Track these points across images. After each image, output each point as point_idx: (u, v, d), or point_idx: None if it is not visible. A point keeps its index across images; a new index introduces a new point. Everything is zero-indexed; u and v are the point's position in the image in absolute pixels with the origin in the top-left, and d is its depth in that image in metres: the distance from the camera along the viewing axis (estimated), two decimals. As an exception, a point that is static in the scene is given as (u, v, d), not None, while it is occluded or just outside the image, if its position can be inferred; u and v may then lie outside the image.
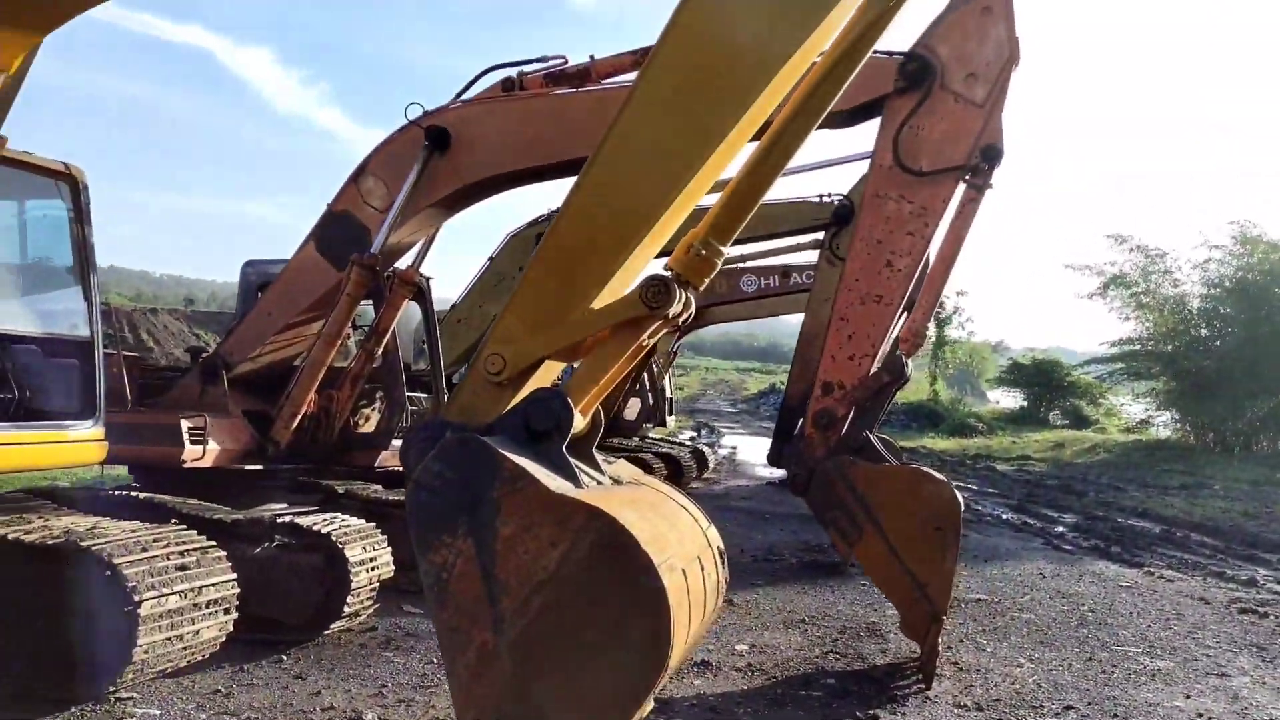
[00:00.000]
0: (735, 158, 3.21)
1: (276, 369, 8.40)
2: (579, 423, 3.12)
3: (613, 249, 3.08)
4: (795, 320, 12.13)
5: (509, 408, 3.02)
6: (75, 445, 5.99)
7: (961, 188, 7.12)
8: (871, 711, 5.47)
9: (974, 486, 18.66)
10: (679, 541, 3.04)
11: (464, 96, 8.09)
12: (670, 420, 19.74)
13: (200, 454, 7.42)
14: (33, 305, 6.55)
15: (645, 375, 16.60)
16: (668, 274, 3.07)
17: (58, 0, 4.22)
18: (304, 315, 8.22)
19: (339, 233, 8.00)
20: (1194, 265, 27.99)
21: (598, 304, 3.07)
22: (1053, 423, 36.01)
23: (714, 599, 3.31)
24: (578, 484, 2.92)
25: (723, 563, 3.47)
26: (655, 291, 2.98)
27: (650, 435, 17.94)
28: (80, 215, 6.31)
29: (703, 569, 3.15)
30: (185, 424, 7.36)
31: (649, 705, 3.03)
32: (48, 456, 5.91)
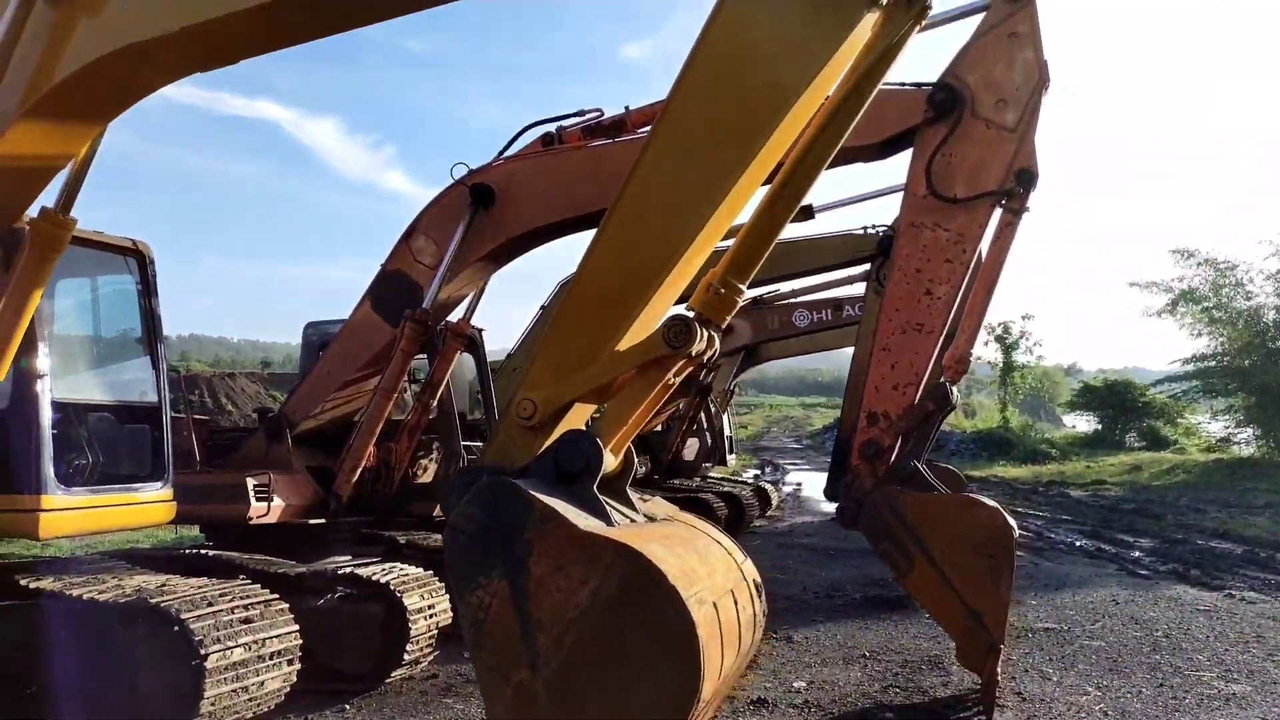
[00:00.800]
0: (751, 199, 3.32)
1: (338, 425, 8.66)
2: (610, 462, 3.22)
3: (636, 291, 3.20)
4: (857, 353, 12.07)
5: (541, 450, 3.13)
6: (145, 507, 6.27)
7: (998, 213, 7.09)
8: (930, 744, 5.41)
9: (1045, 514, 18.22)
10: (709, 575, 3.10)
11: (506, 154, 8.35)
12: (731, 459, 19.65)
13: (265, 510, 7.67)
14: (106, 375, 6.91)
15: (703, 415, 16.60)
16: (689, 314, 3.18)
17: (118, 91, 4.52)
18: (362, 371, 8.48)
19: (393, 290, 8.27)
20: (1267, 276, 27.28)
21: (622, 346, 3.18)
22: (1129, 445, 34.97)
23: (750, 632, 3.35)
24: (609, 522, 3.01)
25: (760, 596, 3.51)
26: (677, 331, 3.09)
27: (711, 475, 17.88)
28: (148, 288, 6.68)
29: (736, 602, 3.20)
30: (251, 482, 7.62)
31: (688, 739, 3.07)
32: (120, 518, 6.19)
